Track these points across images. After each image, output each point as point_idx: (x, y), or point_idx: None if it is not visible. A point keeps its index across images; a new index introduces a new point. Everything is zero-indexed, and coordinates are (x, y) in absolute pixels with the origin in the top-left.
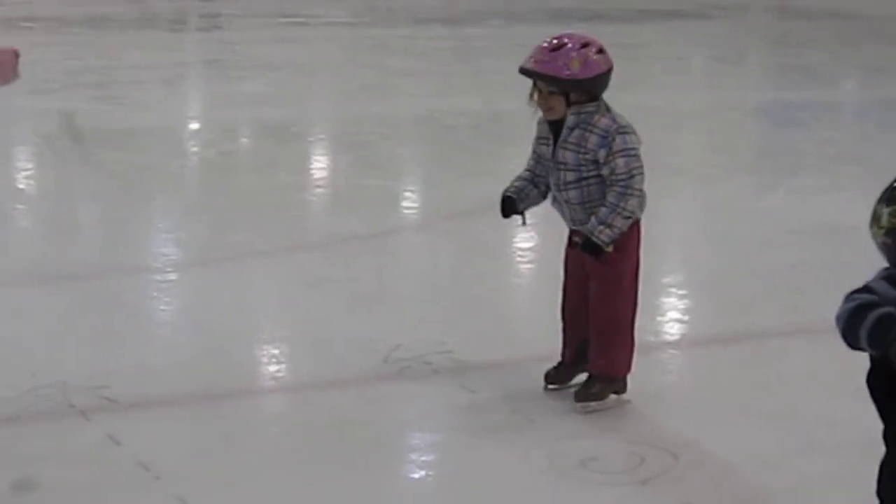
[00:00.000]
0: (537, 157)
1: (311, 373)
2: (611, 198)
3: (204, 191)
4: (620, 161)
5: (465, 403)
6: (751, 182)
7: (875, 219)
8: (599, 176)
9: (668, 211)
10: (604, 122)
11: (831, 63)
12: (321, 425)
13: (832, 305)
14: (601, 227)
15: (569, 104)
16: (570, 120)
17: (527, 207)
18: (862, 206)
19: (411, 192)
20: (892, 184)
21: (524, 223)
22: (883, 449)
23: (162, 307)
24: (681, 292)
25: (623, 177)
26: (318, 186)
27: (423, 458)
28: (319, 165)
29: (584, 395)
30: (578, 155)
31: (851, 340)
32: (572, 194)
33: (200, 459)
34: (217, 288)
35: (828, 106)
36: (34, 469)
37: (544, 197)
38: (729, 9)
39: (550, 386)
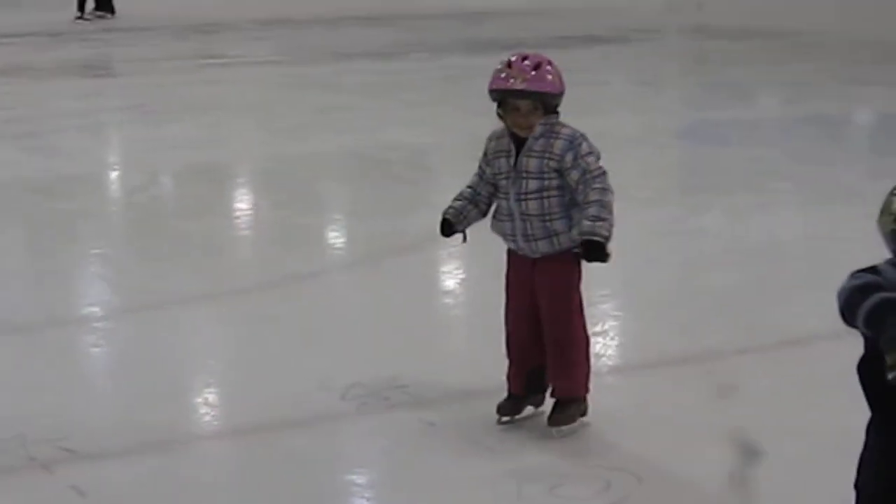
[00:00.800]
0: (481, 175)
1: (269, 413)
2: (593, 195)
3: (139, 236)
4: (591, 159)
5: (426, 437)
6: (686, 203)
7: (886, 209)
8: (559, 189)
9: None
10: (567, 130)
11: (754, 81)
12: (283, 465)
13: (781, 322)
14: (599, 224)
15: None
16: (539, 130)
17: (466, 226)
18: (798, 221)
19: (351, 228)
20: None
21: (465, 240)
22: (859, 447)
23: (108, 355)
24: (628, 315)
25: (598, 173)
26: (256, 227)
27: (392, 494)
28: (255, 206)
29: (559, 419)
30: (543, 161)
31: (849, 318)
32: (532, 205)
33: None
34: (163, 333)
35: (754, 124)
36: None
37: (484, 215)
38: (646, 31)
39: (504, 419)
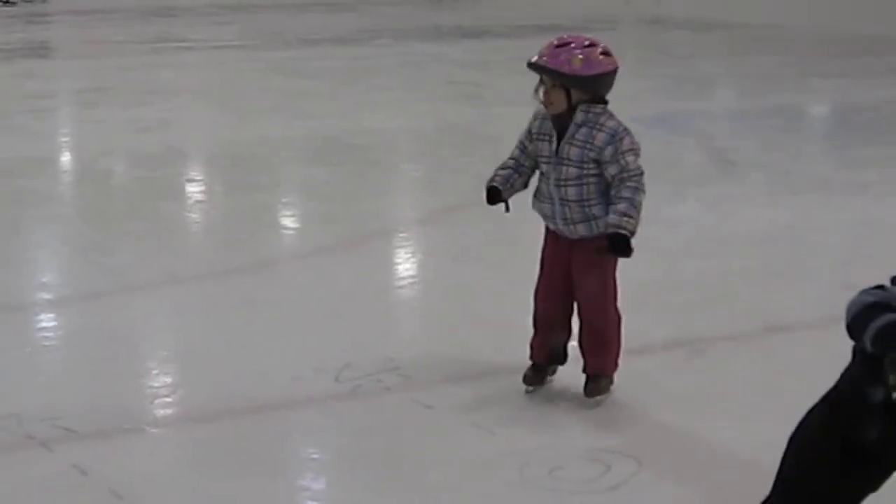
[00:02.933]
0: (523, 149)
1: (266, 395)
2: (626, 192)
3: (118, 218)
4: (631, 158)
5: (423, 420)
6: (661, 192)
7: None
8: (598, 175)
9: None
10: (611, 122)
11: (719, 73)
12: (280, 444)
13: (765, 309)
14: (626, 219)
15: (570, 101)
16: (579, 117)
17: (510, 195)
18: (771, 211)
19: (333, 211)
20: None
21: (507, 210)
22: None
23: (101, 336)
24: None
25: (635, 172)
26: (234, 210)
27: (391, 477)
28: (234, 189)
29: (594, 389)
30: (584, 151)
31: (855, 333)
32: (572, 191)
33: (172, 485)
34: (153, 314)
35: (725, 115)
36: (5, 502)
37: (526, 186)
38: (605, 21)
39: (529, 388)
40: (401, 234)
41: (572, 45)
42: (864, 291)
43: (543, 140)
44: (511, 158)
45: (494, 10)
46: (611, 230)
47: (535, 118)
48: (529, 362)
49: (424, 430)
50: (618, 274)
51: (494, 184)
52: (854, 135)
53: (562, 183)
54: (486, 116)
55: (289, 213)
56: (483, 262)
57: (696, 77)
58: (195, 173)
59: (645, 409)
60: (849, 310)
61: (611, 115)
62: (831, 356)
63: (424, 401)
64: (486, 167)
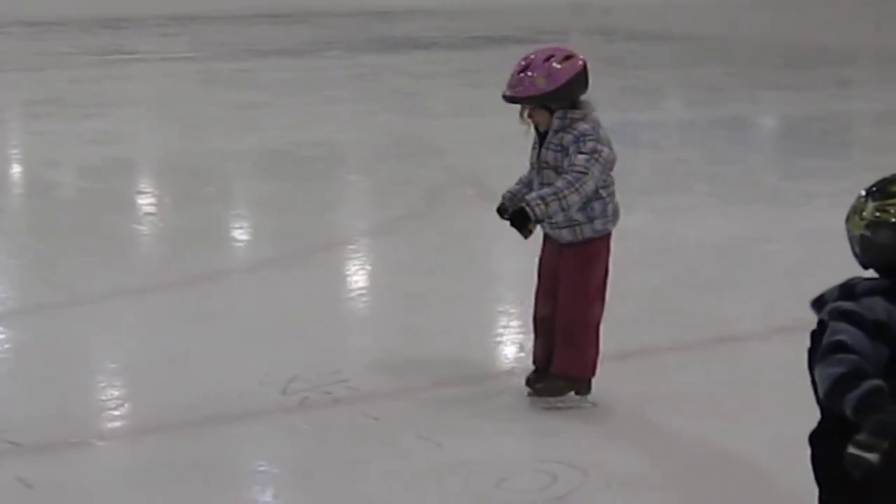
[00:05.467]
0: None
1: (213, 407)
2: (559, 182)
3: (66, 231)
4: (582, 158)
5: (371, 431)
6: None
7: (857, 211)
8: None
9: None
10: (583, 126)
11: (666, 84)
12: (227, 457)
13: (713, 320)
14: (538, 202)
15: (552, 112)
16: (556, 124)
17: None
18: (720, 221)
19: (275, 224)
20: (880, 180)
21: (527, 236)
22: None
23: (47, 350)
24: None
25: (579, 170)
26: (183, 222)
27: (338, 489)
28: (181, 202)
29: (542, 390)
30: (558, 154)
31: (833, 403)
32: None
33: (119, 498)
34: (100, 327)
35: (670, 125)
36: None
37: None
38: (554, 33)
39: (531, 392)
40: (350, 247)
41: (531, 67)
42: (828, 356)
43: (532, 148)
44: (526, 175)
45: (444, 22)
46: (521, 203)
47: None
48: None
49: (372, 442)
50: None
51: (503, 199)
52: (800, 146)
53: (545, 186)
54: (436, 128)
55: (237, 225)
56: (433, 273)
57: (645, 88)
58: (143, 186)
59: (591, 420)
60: (820, 381)
61: (586, 120)
62: (777, 366)
63: (372, 413)
64: (436, 178)
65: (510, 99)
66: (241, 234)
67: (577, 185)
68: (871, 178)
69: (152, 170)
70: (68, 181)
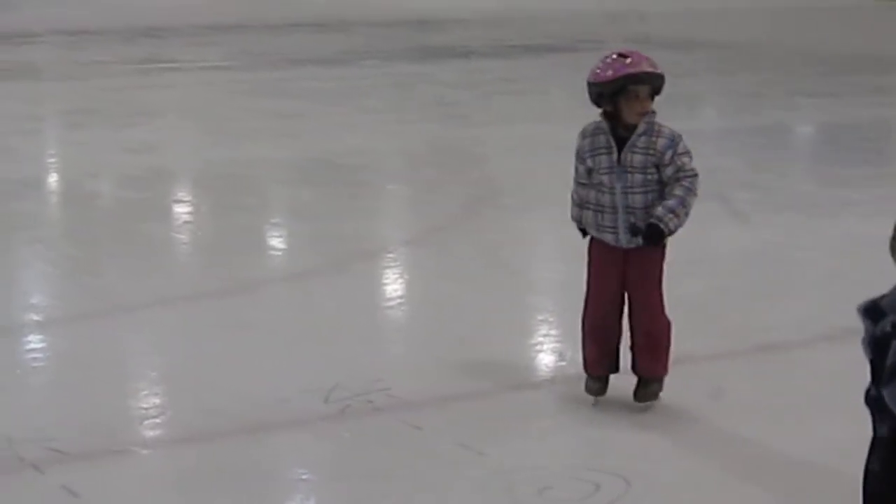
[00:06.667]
0: (580, 175)
1: (255, 416)
2: (678, 191)
3: (105, 240)
4: (686, 160)
5: (412, 440)
6: None
7: None
8: (660, 182)
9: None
10: (667, 129)
11: (705, 92)
12: (271, 465)
13: (751, 328)
14: (670, 216)
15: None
16: (641, 127)
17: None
18: (764, 230)
19: (321, 232)
20: None
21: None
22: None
23: (88, 358)
24: None
25: (691, 174)
26: (222, 231)
27: (379, 497)
28: (220, 210)
29: (645, 395)
30: (646, 157)
31: None
32: (637, 199)
33: None
34: (141, 335)
35: (709, 134)
36: None
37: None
38: (591, 41)
39: (595, 400)
40: (388, 255)
41: (633, 53)
42: None
43: (600, 154)
44: (575, 193)
45: (481, 31)
46: (653, 220)
47: (582, 137)
48: (586, 374)
49: (413, 451)
50: None
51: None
52: (839, 153)
53: (628, 191)
54: (474, 137)
55: (276, 234)
56: (471, 282)
57: (683, 95)
58: (182, 194)
59: (635, 429)
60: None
61: (662, 123)
62: (820, 374)
63: (413, 421)
64: (474, 188)
65: (652, 76)
66: (279, 243)
67: (695, 189)
68: None
69: (191, 179)
70: (107, 190)
